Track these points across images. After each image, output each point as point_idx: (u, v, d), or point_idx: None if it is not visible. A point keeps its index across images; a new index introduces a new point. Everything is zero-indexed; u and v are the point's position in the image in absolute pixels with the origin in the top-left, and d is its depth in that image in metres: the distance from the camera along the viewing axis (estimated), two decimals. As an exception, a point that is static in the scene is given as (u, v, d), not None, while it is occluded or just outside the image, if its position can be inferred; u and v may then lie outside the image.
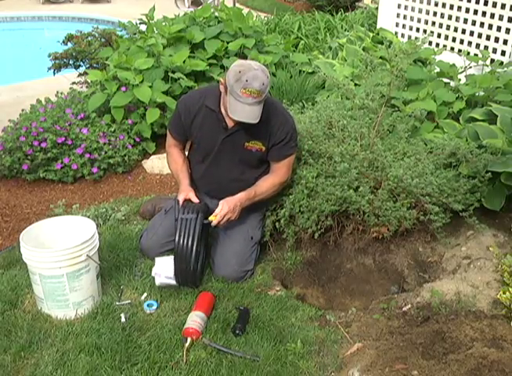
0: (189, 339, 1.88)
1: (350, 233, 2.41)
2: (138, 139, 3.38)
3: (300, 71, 3.80)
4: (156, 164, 3.34)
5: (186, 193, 2.18)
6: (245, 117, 1.98)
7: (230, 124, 2.16)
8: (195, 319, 1.94)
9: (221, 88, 2.06)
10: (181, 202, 2.16)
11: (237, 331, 1.94)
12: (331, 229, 2.40)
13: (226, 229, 2.27)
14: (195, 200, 2.17)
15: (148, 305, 2.06)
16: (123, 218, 2.71)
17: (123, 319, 1.98)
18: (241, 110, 1.96)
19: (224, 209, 2.11)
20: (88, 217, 2.58)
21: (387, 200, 2.23)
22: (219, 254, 2.27)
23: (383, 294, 2.30)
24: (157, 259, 2.15)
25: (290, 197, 2.31)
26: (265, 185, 2.23)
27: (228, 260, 2.23)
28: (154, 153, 3.46)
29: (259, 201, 2.25)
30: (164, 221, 2.38)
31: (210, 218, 2.11)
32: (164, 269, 2.09)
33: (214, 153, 2.21)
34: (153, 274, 2.12)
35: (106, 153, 3.16)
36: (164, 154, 3.26)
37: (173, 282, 2.10)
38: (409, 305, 2.06)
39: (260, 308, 2.10)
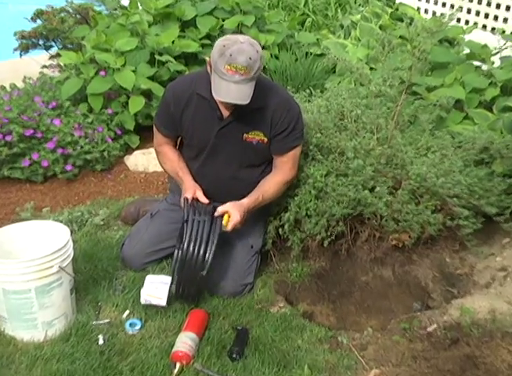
0: (178, 365, 1.88)
1: (365, 241, 2.42)
2: (119, 132, 3.38)
3: (307, 53, 3.80)
4: (140, 160, 3.35)
5: (193, 190, 2.17)
6: (231, 97, 1.96)
7: (225, 113, 2.16)
8: (185, 341, 1.93)
9: (208, 68, 2.06)
10: (189, 200, 2.14)
11: (234, 355, 1.93)
12: (343, 236, 2.40)
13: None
14: (204, 199, 2.16)
15: (130, 325, 2.06)
16: (101, 223, 2.72)
17: (101, 342, 1.97)
18: (226, 89, 1.95)
19: (236, 217, 2.11)
20: (61, 222, 2.53)
21: (408, 203, 2.23)
22: (218, 267, 2.26)
23: (404, 311, 2.30)
24: (148, 279, 2.15)
25: (296, 198, 2.31)
26: (271, 186, 2.24)
27: (225, 272, 2.24)
28: (138, 148, 3.46)
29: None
30: (149, 226, 2.39)
31: (224, 223, 2.09)
32: (155, 292, 2.11)
33: (209, 147, 2.22)
34: (142, 300, 2.13)
35: (82, 147, 3.16)
36: (150, 149, 3.29)
37: (163, 304, 2.11)
38: (435, 325, 2.06)
39: (261, 328, 2.10)
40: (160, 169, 2.80)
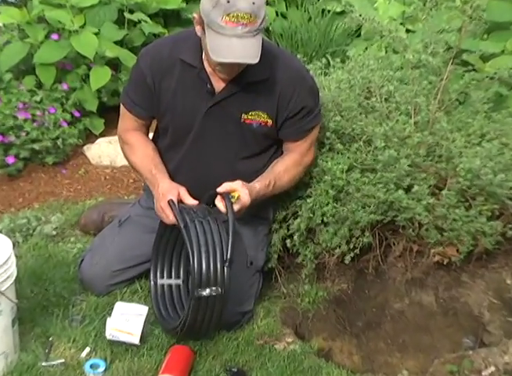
0: None
1: (399, 256, 2.42)
2: (77, 114, 3.38)
3: (323, 11, 3.80)
4: (105, 150, 3.34)
5: (176, 190, 2.15)
6: (235, 55, 1.95)
7: (219, 86, 2.16)
8: None
9: (197, 28, 2.06)
10: (175, 202, 2.12)
11: None
12: (370, 250, 2.41)
13: None
14: (191, 201, 2.16)
15: (91, 367, 2.05)
16: (54, 232, 2.71)
17: None
18: (227, 46, 1.94)
19: (245, 198, 2.09)
20: (0, 232, 2.55)
21: (455, 207, 2.22)
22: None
23: (451, 349, 2.29)
24: (118, 308, 2.16)
25: (309, 200, 2.31)
26: (285, 170, 2.25)
27: None
28: (103, 135, 3.45)
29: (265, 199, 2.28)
30: (117, 237, 2.40)
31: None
32: (126, 326, 2.11)
33: (195, 132, 2.23)
34: (107, 334, 2.13)
35: (28, 134, 3.15)
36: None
37: (136, 342, 2.13)
38: (493, 368, 2.05)
39: (262, 370, 2.10)
40: None
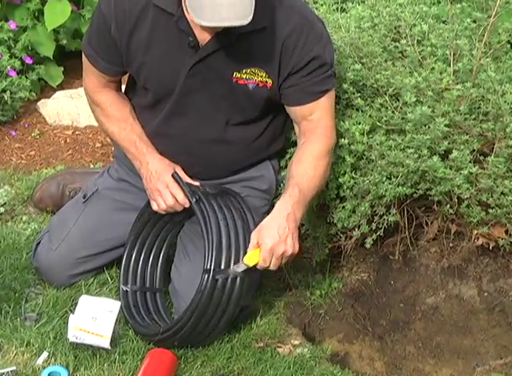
0: None
1: (433, 239, 2.45)
2: (29, 61, 3.38)
3: None
4: (65, 107, 3.35)
5: (171, 169, 2.21)
6: (221, 16, 1.92)
7: (203, 37, 2.14)
8: None
9: None
10: (171, 183, 2.18)
11: None
12: (397, 232, 2.44)
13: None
14: (190, 182, 2.21)
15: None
16: (1, 209, 2.73)
17: None
18: (211, 5, 1.91)
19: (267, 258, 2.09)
20: None
21: (504, 177, 2.23)
22: (187, 276, 2.27)
23: (497, 354, 2.31)
24: (83, 303, 2.17)
25: (321, 170, 2.33)
26: (311, 168, 2.20)
27: (191, 279, 2.22)
28: (61, 88, 3.46)
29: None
30: (82, 216, 2.42)
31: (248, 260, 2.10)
32: (93, 326, 2.11)
33: (177, 93, 2.23)
34: (70, 336, 2.13)
35: (-34, 86, 3.18)
36: (81, 89, 3.27)
37: (106, 345, 2.13)
38: (548, 376, 2.09)
39: None
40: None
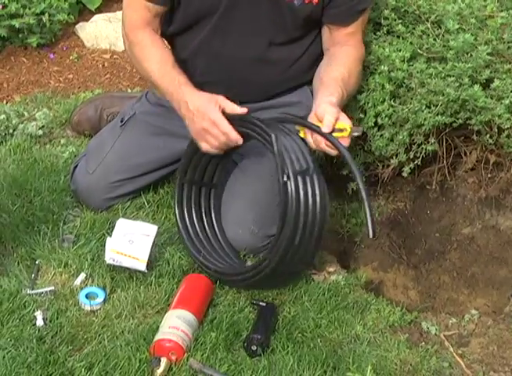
0: (163, 361, 1.88)
1: (471, 170, 2.46)
2: (68, -18, 3.35)
3: None
4: (103, 30, 3.34)
5: (215, 101, 2.11)
6: None
7: None
8: (175, 325, 1.96)
9: None
10: (219, 120, 2.09)
11: (254, 347, 1.96)
12: (435, 162, 2.45)
13: (237, 158, 2.33)
14: (238, 109, 2.13)
15: (88, 297, 2.10)
16: (40, 132, 2.73)
17: (39, 322, 2.00)
18: None
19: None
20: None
21: None
22: (225, 205, 2.33)
23: None
24: (120, 227, 2.20)
25: (359, 97, 2.34)
26: (348, 73, 2.21)
27: (240, 215, 2.29)
28: (100, 11, 3.45)
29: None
30: (119, 139, 2.43)
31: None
32: (129, 249, 2.15)
33: (221, 10, 2.21)
34: (107, 258, 2.17)
35: (5, 7, 3.14)
36: (118, 13, 3.29)
37: (142, 268, 2.16)
38: None
39: (297, 304, 2.15)
40: None
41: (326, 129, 1.97)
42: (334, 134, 1.99)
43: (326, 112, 2.01)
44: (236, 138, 2.08)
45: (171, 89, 2.20)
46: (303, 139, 2.08)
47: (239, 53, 2.27)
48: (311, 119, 2.07)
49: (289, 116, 2.13)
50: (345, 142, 2.01)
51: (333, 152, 2.01)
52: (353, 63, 2.26)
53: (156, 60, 2.26)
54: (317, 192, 2.01)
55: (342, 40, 2.27)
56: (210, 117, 2.08)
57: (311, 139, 2.05)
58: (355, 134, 2.07)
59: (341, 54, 2.26)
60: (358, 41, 2.29)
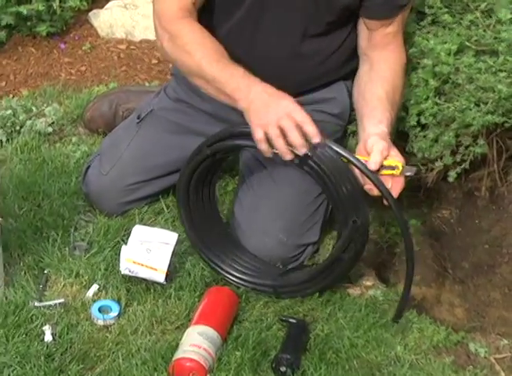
0: None
1: None
2: (80, -35, 3.37)
3: None
4: (119, 18, 3.37)
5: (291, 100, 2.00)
6: None
7: None
8: (196, 343, 1.94)
9: None
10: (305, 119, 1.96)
11: (283, 368, 1.95)
12: (484, 165, 2.43)
13: (265, 161, 2.28)
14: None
15: (101, 310, 2.08)
16: (49, 130, 2.72)
17: (48, 337, 1.99)
18: None
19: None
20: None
21: None
22: (249, 211, 2.30)
23: None
24: (136, 234, 2.17)
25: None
26: (394, 81, 2.21)
27: (267, 222, 2.26)
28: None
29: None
30: (135, 138, 2.41)
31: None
32: (147, 259, 2.12)
33: (251, 1, 2.19)
34: (122, 268, 2.15)
35: (11, -6, 3.18)
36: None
37: (161, 280, 2.14)
38: None
39: (331, 322, 2.12)
40: (154, 37, 2.56)
41: (372, 166, 1.95)
42: (383, 171, 1.99)
43: (375, 146, 1.99)
44: (313, 131, 1.93)
45: (234, 82, 2.06)
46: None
47: (270, 47, 2.27)
48: (360, 151, 2.04)
49: (335, 145, 2.00)
50: (397, 183, 2.01)
51: (374, 192, 1.99)
52: (396, 75, 2.24)
53: (210, 53, 2.14)
54: None
55: (381, 42, 2.26)
56: (290, 116, 1.95)
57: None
58: (408, 173, 2.05)
59: (382, 65, 2.24)
60: (399, 46, 2.27)
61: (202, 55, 2.13)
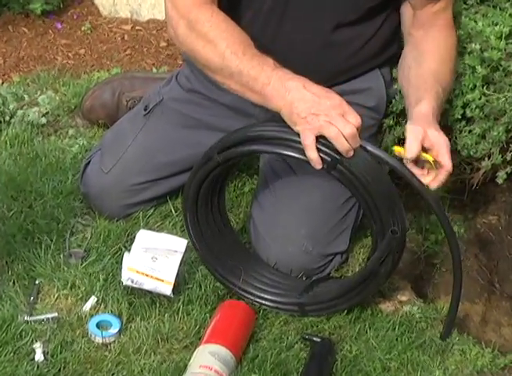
0: None
1: None
2: None
3: None
4: None
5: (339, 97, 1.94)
6: None
7: None
8: (207, 364, 1.89)
9: None
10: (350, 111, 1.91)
11: None
12: None
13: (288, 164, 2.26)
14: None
15: (99, 326, 2.02)
16: (43, 120, 2.68)
17: (39, 357, 1.93)
18: None
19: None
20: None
21: None
22: (270, 215, 2.24)
23: None
24: (140, 240, 2.11)
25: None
26: (444, 59, 2.15)
27: (290, 228, 2.21)
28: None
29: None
30: (142, 132, 2.36)
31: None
32: (151, 268, 2.04)
33: None
34: (123, 278, 2.08)
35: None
36: None
37: (167, 292, 2.07)
38: None
39: (360, 341, 2.06)
40: (163, 16, 2.75)
41: (410, 153, 1.92)
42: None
43: (409, 135, 1.95)
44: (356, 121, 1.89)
45: (264, 77, 1.98)
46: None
47: (300, 38, 2.22)
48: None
49: (369, 145, 1.95)
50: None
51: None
52: (446, 53, 2.20)
53: (236, 43, 2.06)
54: None
55: (428, 21, 2.21)
56: (335, 110, 1.89)
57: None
58: None
59: (430, 45, 2.21)
60: (449, 21, 2.21)
61: (226, 44, 2.05)
